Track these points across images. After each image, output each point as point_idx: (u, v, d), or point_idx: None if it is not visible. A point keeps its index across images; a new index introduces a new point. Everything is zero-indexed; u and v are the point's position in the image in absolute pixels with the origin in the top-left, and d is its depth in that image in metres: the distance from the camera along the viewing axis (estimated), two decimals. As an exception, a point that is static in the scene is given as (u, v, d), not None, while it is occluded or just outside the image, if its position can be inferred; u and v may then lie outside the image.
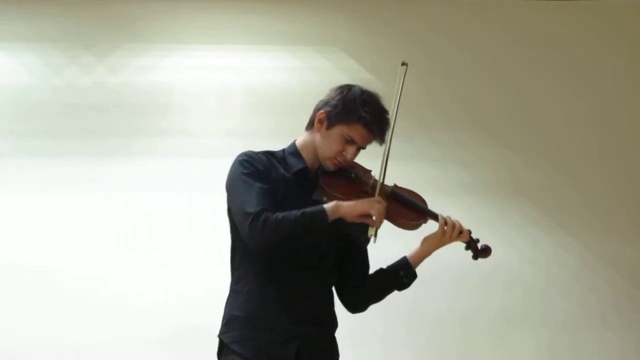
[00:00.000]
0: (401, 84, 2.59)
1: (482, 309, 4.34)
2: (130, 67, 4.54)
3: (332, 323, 2.65)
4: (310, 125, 2.61)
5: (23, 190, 4.36)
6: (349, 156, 2.54)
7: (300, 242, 2.48)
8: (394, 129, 2.59)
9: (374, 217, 2.41)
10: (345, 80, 4.48)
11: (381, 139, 2.56)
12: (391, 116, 2.58)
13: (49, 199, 4.35)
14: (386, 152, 2.56)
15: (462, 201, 4.36)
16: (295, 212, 2.39)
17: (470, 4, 4.61)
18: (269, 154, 2.59)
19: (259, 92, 4.49)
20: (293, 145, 2.63)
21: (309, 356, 2.50)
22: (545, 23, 4.61)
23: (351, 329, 4.22)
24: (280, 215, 2.38)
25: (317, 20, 4.59)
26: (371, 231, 2.43)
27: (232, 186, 2.50)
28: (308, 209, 2.41)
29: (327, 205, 2.41)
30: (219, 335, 2.56)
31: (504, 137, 4.51)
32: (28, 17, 4.54)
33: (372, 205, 2.42)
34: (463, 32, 4.59)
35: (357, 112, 2.51)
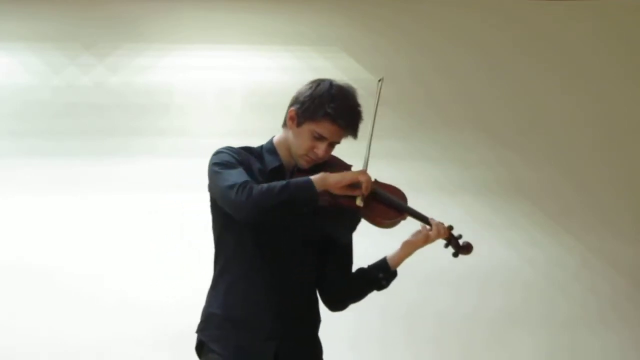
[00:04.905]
0: (377, 99, 2.57)
1: (482, 309, 4.34)
2: (130, 67, 4.54)
3: (314, 320, 2.62)
4: (285, 123, 2.60)
5: (22, 190, 4.36)
6: (320, 152, 2.50)
7: (280, 238, 2.47)
8: (372, 141, 2.55)
9: (362, 186, 2.41)
10: (345, 80, 4.51)
11: (353, 133, 2.52)
12: (369, 130, 2.55)
13: (48, 198, 4.35)
14: (368, 149, 2.53)
15: (462, 201, 4.37)
16: (279, 183, 2.38)
17: (470, 4, 4.61)
18: (246, 149, 2.59)
19: (259, 92, 4.49)
20: (270, 142, 2.62)
21: (288, 355, 2.48)
22: (545, 23, 4.61)
23: (351, 329, 4.24)
24: (265, 185, 2.37)
25: (317, 20, 4.60)
26: (359, 200, 2.42)
27: (212, 176, 2.49)
28: (293, 180, 2.40)
29: (314, 177, 2.40)
30: (197, 332, 2.55)
31: (504, 137, 4.51)
32: (28, 17, 4.54)
33: (360, 174, 2.43)
34: (463, 32, 4.59)
35: (322, 109, 2.47)
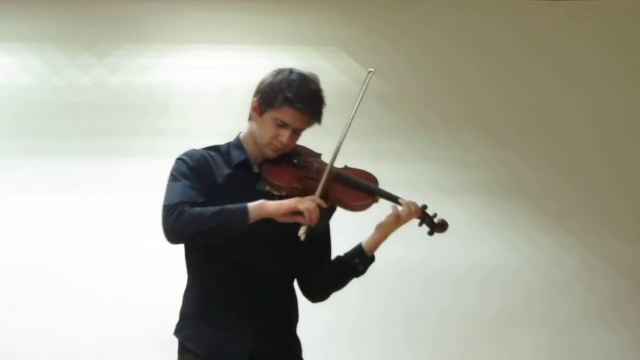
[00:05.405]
0: (363, 89, 2.51)
1: (482, 309, 4.34)
2: (130, 67, 4.54)
3: (292, 318, 2.58)
4: (250, 116, 2.58)
5: (22, 190, 4.36)
6: (284, 139, 2.46)
7: (252, 235, 2.40)
8: (350, 127, 2.45)
9: (304, 215, 2.31)
10: (345, 80, 4.52)
11: (316, 118, 2.47)
12: (350, 115, 2.47)
13: (48, 199, 4.35)
14: (343, 134, 2.44)
15: (462, 201, 4.36)
16: (213, 208, 2.32)
17: (470, 4, 4.61)
18: (213, 149, 2.56)
19: (259, 92, 4.49)
20: (237, 138, 2.60)
21: (264, 354, 2.46)
22: (545, 23, 4.61)
23: (351, 328, 4.24)
24: (197, 209, 2.32)
25: (317, 20, 4.60)
26: (302, 230, 2.30)
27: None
28: (228, 206, 2.33)
29: (251, 204, 2.33)
30: (174, 334, 2.57)
31: (504, 137, 4.51)
32: (28, 17, 4.54)
33: (300, 202, 2.32)
34: (463, 32, 4.59)
35: (281, 94, 2.44)
